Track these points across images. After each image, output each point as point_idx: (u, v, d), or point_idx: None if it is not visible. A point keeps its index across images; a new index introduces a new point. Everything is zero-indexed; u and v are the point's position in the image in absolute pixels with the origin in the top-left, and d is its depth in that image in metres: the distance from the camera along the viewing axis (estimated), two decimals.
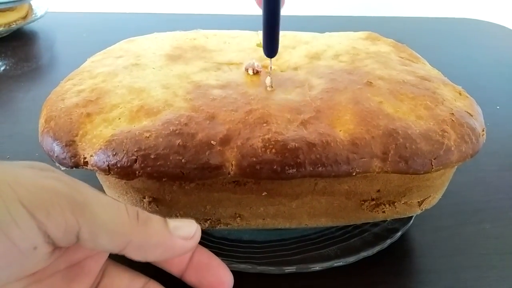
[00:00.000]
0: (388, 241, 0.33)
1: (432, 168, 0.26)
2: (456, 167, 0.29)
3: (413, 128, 0.27)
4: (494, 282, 0.32)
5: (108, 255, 0.24)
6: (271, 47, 0.31)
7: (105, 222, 0.20)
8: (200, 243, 0.33)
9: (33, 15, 0.75)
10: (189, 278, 0.25)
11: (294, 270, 0.31)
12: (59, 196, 0.19)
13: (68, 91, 0.31)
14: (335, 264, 0.32)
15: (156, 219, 0.22)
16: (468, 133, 0.27)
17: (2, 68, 0.61)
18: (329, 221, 0.31)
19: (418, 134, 0.26)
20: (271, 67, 0.32)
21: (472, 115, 0.29)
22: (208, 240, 0.33)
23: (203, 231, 0.31)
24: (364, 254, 0.32)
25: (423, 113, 0.28)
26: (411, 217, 0.34)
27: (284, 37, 0.39)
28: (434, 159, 0.26)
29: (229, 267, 0.31)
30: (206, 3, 0.98)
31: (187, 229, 0.23)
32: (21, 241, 0.18)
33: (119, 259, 0.24)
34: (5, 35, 0.71)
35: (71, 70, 0.35)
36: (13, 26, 0.71)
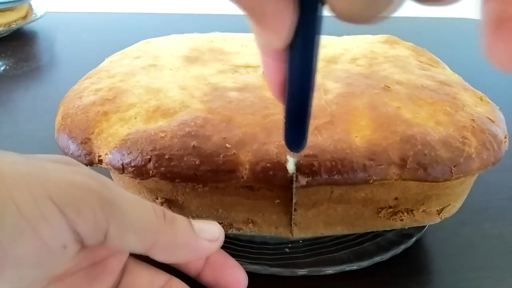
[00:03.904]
0: (402, 246, 0.32)
1: (452, 176, 0.25)
2: (477, 175, 0.29)
3: (432, 134, 0.26)
4: (494, 282, 0.31)
5: (129, 253, 0.24)
6: (297, 138, 0.20)
7: (133, 220, 0.19)
8: None
9: (33, 15, 0.75)
10: (206, 278, 0.25)
11: (306, 273, 0.31)
12: (89, 193, 0.18)
13: (85, 89, 0.31)
14: (347, 268, 0.31)
15: (182, 219, 0.22)
16: (489, 140, 0.26)
17: (2, 68, 0.61)
18: (345, 230, 0.31)
19: (437, 141, 0.26)
20: (295, 178, 0.25)
21: (493, 121, 0.28)
22: None
23: None
24: (377, 259, 0.31)
25: (443, 118, 0.27)
26: None
27: None
28: (454, 166, 0.25)
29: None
30: (204, 3, 0.97)
31: (212, 231, 0.22)
32: (51, 239, 0.17)
33: (139, 257, 0.24)
34: (5, 35, 0.71)
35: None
36: (13, 26, 0.70)
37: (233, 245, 0.33)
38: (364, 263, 0.31)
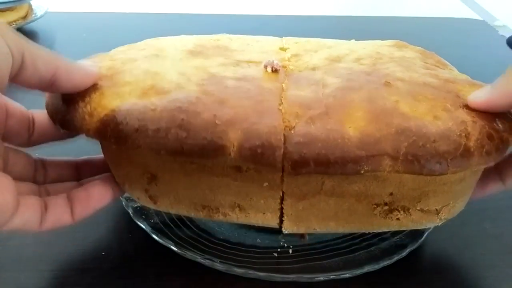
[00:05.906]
0: (395, 257, 0.31)
1: (449, 169, 0.24)
2: (478, 174, 0.27)
3: (429, 127, 0.25)
4: (494, 282, 0.32)
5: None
6: None
7: (39, 52, 0.25)
8: (201, 243, 0.32)
9: (33, 15, 0.76)
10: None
11: (293, 279, 0.30)
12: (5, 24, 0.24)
13: None
14: (338, 277, 0.30)
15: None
16: (491, 135, 0.25)
17: None
18: (339, 226, 0.29)
19: (433, 133, 0.25)
20: None
21: (496, 118, 0.27)
22: (209, 241, 0.33)
23: (204, 231, 0.31)
24: (368, 268, 0.30)
25: (442, 114, 0.26)
26: (423, 233, 0.32)
27: (308, 42, 0.39)
28: (450, 159, 0.24)
29: (228, 271, 0.31)
30: (207, 3, 0.98)
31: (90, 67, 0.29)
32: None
33: None
34: None
35: None
36: (13, 26, 0.70)
37: (221, 247, 0.32)
38: (355, 272, 0.30)
